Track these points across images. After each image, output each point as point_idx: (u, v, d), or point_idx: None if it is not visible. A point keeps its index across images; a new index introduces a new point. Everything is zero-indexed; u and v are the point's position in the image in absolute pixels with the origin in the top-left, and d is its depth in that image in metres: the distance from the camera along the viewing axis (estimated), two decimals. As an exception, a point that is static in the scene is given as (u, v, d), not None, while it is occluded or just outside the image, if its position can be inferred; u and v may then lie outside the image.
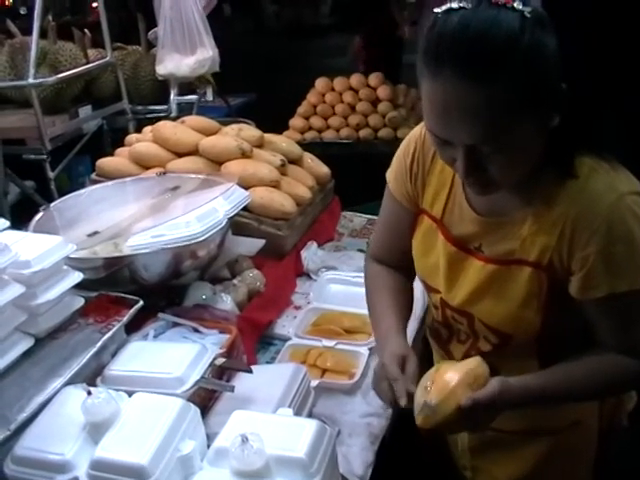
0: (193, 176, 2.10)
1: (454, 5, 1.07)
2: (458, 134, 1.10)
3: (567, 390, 1.29)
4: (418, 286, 1.51)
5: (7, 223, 1.40)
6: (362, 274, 2.11)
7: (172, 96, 3.43)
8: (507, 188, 1.21)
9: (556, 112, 1.11)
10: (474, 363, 1.23)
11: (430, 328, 1.54)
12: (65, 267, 1.49)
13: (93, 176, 2.45)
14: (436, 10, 1.09)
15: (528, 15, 1.04)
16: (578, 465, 1.49)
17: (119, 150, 2.53)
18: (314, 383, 1.60)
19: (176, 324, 1.64)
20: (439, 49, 1.07)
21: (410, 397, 1.24)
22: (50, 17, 3.34)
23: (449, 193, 1.35)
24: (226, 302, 1.82)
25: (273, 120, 3.19)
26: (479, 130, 1.07)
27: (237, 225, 2.08)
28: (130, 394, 1.27)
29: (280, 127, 3.63)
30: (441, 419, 1.19)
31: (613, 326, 1.25)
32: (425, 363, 1.46)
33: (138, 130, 2.92)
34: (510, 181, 1.18)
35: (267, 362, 1.80)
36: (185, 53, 3.24)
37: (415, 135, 1.39)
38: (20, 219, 1.95)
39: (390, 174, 1.46)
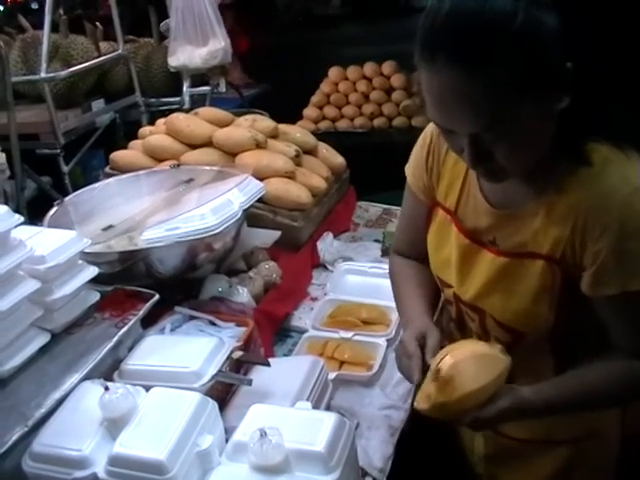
0: (207, 168, 2.09)
1: None
2: (458, 123, 1.07)
3: (581, 401, 1.26)
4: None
5: (21, 219, 1.38)
6: (379, 264, 2.13)
7: (185, 88, 3.41)
8: (519, 176, 1.18)
9: (562, 94, 1.06)
10: (500, 382, 1.19)
11: (445, 331, 1.50)
12: (80, 262, 1.49)
13: (107, 169, 2.44)
14: None
15: None
16: (598, 473, 1.44)
17: (132, 143, 2.52)
18: (332, 375, 1.59)
19: (193, 317, 1.64)
20: (432, 37, 1.04)
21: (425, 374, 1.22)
22: (61, 11, 3.33)
23: (463, 185, 1.32)
24: (242, 294, 1.81)
25: (287, 111, 3.17)
26: (478, 118, 1.04)
27: (252, 217, 2.07)
28: (147, 389, 1.26)
29: (294, 118, 3.61)
30: (441, 417, 1.19)
31: (625, 326, 1.21)
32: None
33: (151, 123, 2.91)
34: (519, 168, 1.15)
35: (284, 355, 1.80)
36: (197, 44, 3.22)
37: (431, 127, 1.36)
38: (37, 214, 1.95)
39: (408, 168, 1.44)
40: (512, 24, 0.99)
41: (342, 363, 1.72)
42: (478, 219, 1.29)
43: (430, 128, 1.37)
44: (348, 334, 1.78)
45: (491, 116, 1.03)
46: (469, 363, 1.19)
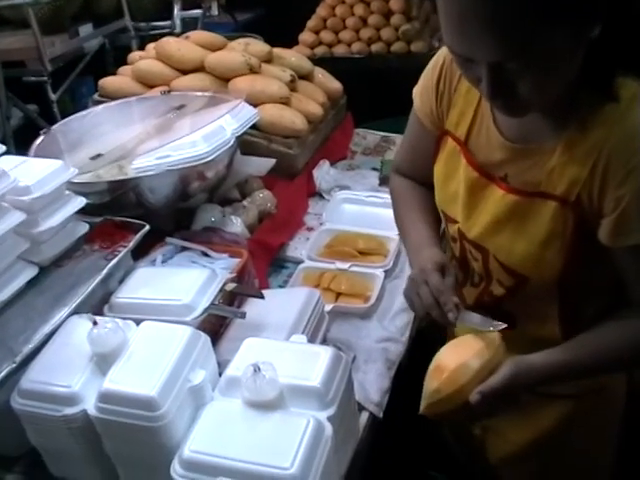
0: (199, 94, 2.02)
1: None
2: (479, 50, 0.96)
3: (595, 363, 1.19)
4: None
5: (3, 148, 1.33)
6: (376, 193, 2.08)
7: (176, 11, 3.32)
8: (539, 110, 1.09)
9: (595, 21, 0.95)
10: (492, 351, 1.15)
11: None
12: (67, 192, 1.44)
13: (95, 97, 2.37)
14: None
15: None
16: (601, 429, 1.41)
17: (122, 69, 2.44)
18: (328, 307, 1.56)
19: (185, 248, 1.60)
20: None
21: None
22: None
23: (475, 114, 1.23)
24: (236, 224, 1.77)
25: (282, 36, 3.07)
26: (502, 44, 0.93)
27: (246, 144, 2.01)
28: (138, 322, 1.23)
29: (289, 43, 3.49)
30: (447, 412, 1.15)
31: None
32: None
33: (141, 48, 2.82)
34: (543, 102, 1.06)
35: (279, 286, 1.76)
36: (187, -36, 3.12)
37: (445, 50, 1.26)
38: (24, 144, 1.89)
39: (416, 91, 1.35)
40: None
41: (338, 295, 1.69)
42: (490, 152, 1.20)
43: (443, 51, 1.27)
44: (345, 265, 1.75)
45: (515, 43, 0.93)
46: (450, 346, 1.20)
